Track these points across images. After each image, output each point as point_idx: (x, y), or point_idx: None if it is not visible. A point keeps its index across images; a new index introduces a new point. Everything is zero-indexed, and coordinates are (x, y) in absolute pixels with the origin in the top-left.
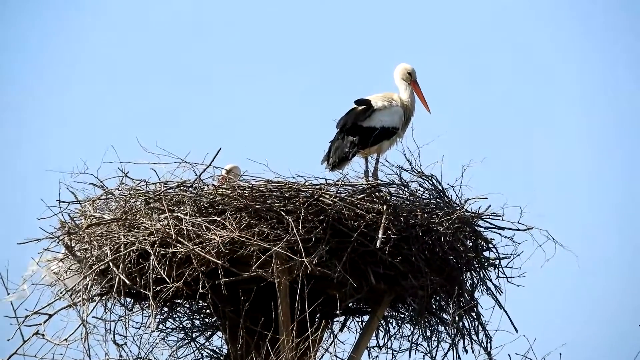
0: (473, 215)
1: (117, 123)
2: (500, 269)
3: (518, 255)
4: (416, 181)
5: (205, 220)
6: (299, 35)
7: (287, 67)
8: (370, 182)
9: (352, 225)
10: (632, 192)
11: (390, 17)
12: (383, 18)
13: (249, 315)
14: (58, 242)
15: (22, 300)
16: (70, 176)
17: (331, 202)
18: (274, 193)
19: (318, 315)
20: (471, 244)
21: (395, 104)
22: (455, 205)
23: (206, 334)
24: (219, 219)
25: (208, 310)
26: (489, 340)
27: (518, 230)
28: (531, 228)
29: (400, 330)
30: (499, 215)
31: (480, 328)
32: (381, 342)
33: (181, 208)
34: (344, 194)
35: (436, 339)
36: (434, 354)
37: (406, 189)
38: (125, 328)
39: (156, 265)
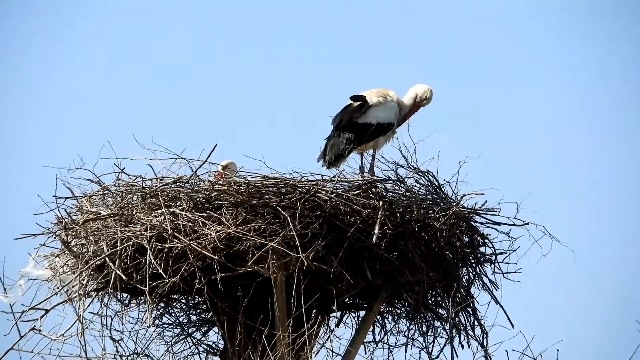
0: (469, 210)
1: (113, 119)
2: (496, 264)
3: (514, 250)
4: (412, 177)
5: (201, 215)
6: (295, 31)
7: (283, 63)
8: (366, 178)
9: (348, 221)
10: (630, 187)
11: (388, 11)
12: (380, 12)
13: (245, 310)
14: (54, 238)
15: (19, 296)
16: (67, 172)
17: (327, 198)
18: (271, 189)
19: (314, 311)
20: (467, 239)
21: (390, 99)
22: (451, 200)
23: (202, 330)
24: (215, 215)
25: (204, 306)
26: (485, 336)
27: (514, 225)
28: (527, 223)
29: (397, 325)
30: (495, 211)
31: (476, 323)
32: (377, 338)
33: (177, 204)
34: (340, 190)
35: (432, 334)
36: (430, 349)
37: (402, 185)
38: (122, 323)
39: (152, 260)
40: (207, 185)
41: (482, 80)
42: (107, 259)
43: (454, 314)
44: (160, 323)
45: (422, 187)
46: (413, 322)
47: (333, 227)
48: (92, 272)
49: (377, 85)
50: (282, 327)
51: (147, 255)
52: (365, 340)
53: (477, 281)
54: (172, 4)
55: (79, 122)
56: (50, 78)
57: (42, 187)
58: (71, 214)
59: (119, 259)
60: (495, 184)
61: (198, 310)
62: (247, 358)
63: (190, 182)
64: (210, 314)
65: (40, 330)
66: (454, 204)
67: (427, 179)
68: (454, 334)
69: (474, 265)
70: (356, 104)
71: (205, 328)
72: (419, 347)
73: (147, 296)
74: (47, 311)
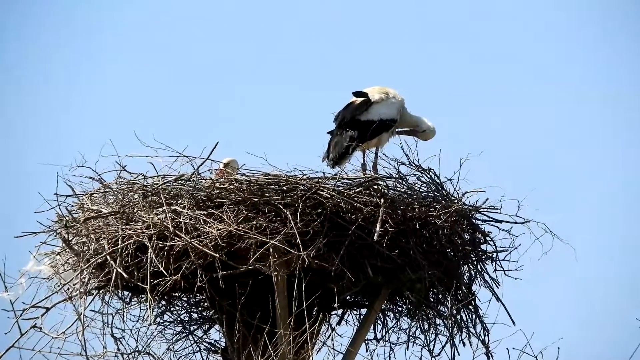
0: (471, 208)
1: (114, 117)
2: (497, 262)
3: (515, 248)
4: (414, 174)
5: (202, 213)
6: (296, 29)
7: (285, 61)
8: (368, 176)
9: (349, 219)
10: (631, 185)
11: (389, 7)
12: (382, 9)
13: (247, 308)
14: (55, 236)
15: (19, 294)
16: (68, 169)
17: (329, 196)
18: (272, 186)
19: (316, 309)
20: (469, 237)
21: (392, 96)
22: (452, 198)
23: (204, 327)
24: (216, 212)
25: (206, 304)
26: (486, 333)
27: (516, 223)
28: (529, 221)
29: (398, 323)
30: (497, 208)
31: (477, 321)
32: (379, 335)
33: (179, 201)
34: (341, 188)
35: (434, 331)
36: (431, 347)
37: (404, 183)
38: (123, 321)
39: (154, 258)
40: (208, 183)
41: (483, 78)
42: (108, 257)
43: (455, 312)
44: (161, 321)
45: (424, 185)
46: (414, 320)
47: (334, 225)
48: (93, 270)
49: (380, 82)
50: (283, 325)
51: (149, 253)
52: (366, 338)
53: (478, 279)
54: (176, 3)
55: (80, 119)
56: (51, 76)
57: (43, 184)
58: (72, 212)
59: (120, 257)
60: (496, 182)
61: (199, 308)
62: (248, 356)
63: (191, 179)
64: (211, 312)
65: (41, 328)
66: (456, 201)
67: (429, 176)
68: (455, 332)
69: (475, 262)
70: (359, 101)
71: (207, 326)
72: (420, 345)
73: (148, 294)
74: (48, 309)
